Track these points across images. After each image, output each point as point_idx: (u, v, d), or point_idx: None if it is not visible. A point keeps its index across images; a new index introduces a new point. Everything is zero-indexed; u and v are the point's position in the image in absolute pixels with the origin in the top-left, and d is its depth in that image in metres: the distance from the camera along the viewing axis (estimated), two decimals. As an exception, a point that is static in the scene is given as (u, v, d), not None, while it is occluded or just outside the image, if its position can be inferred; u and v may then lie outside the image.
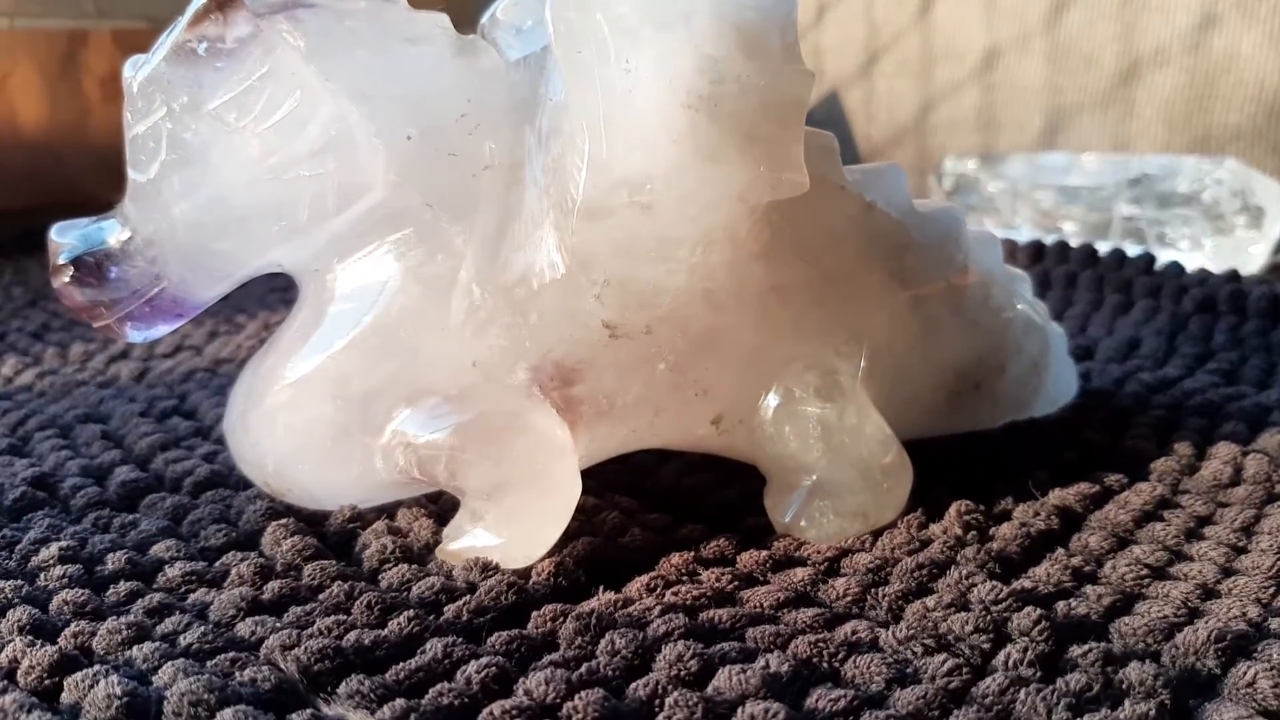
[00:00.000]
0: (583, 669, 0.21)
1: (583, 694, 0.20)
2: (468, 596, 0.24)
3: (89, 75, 0.74)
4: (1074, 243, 0.54)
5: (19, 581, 0.25)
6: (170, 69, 0.25)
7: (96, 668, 0.21)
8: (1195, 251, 0.58)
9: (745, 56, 0.24)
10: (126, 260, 0.26)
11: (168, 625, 0.23)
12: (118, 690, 0.20)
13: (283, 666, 0.21)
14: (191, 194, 0.26)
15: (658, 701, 0.20)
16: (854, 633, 0.23)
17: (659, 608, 0.24)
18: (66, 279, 0.26)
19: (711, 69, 0.23)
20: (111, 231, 0.26)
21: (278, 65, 0.25)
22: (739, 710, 0.19)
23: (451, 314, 0.26)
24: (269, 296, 0.54)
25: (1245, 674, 0.21)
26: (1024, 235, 0.62)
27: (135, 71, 0.26)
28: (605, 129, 0.23)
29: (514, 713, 0.19)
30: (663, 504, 0.30)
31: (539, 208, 0.25)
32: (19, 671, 0.21)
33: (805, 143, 0.25)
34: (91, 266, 0.26)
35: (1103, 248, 0.53)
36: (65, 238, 0.26)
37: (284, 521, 0.28)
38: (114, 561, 0.26)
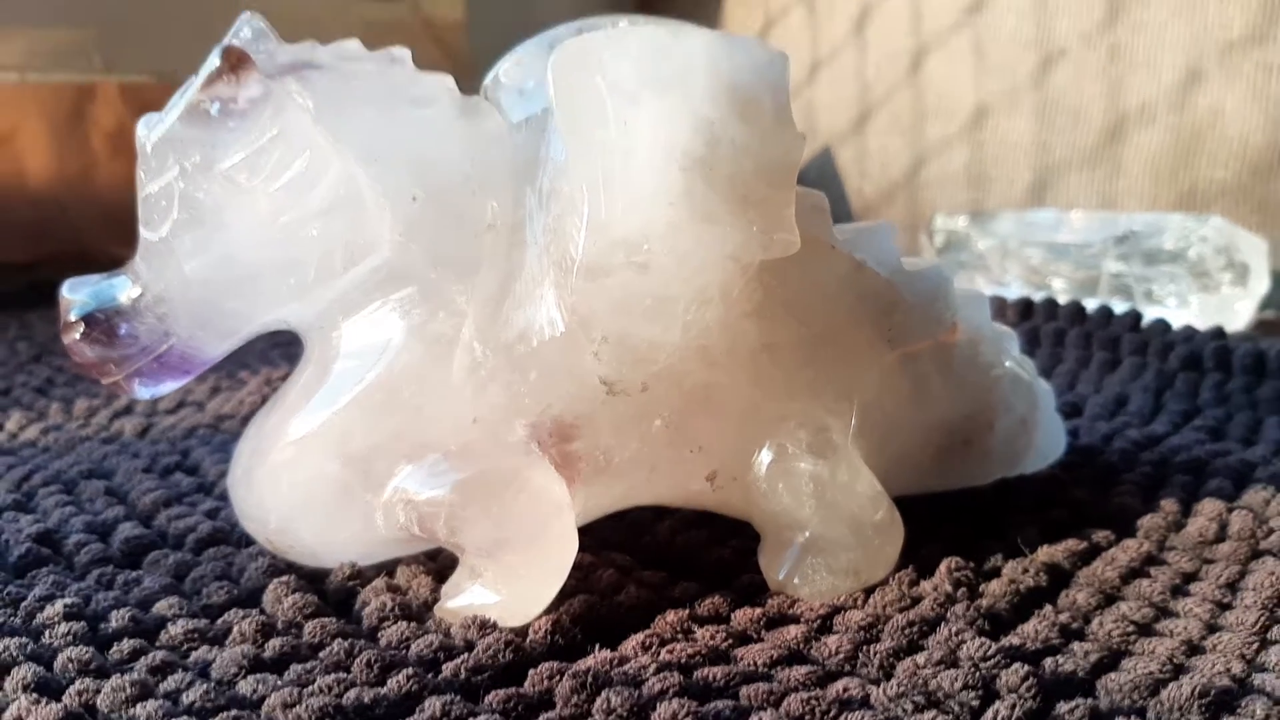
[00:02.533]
0: (579, 726, 0.22)
1: (579, 751, 0.20)
2: (466, 654, 0.24)
3: (96, 129, 0.75)
4: (1062, 299, 0.55)
5: (24, 639, 0.25)
6: (184, 129, 0.26)
7: (100, 725, 0.21)
8: (1182, 308, 0.59)
9: (739, 119, 0.24)
10: (136, 317, 0.26)
11: (170, 683, 0.23)
12: (122, 747, 0.20)
13: (284, 723, 0.22)
14: (203, 252, 0.26)
15: (653, 759, 0.20)
16: (845, 690, 0.23)
17: (654, 665, 0.24)
18: (77, 336, 0.26)
19: (707, 131, 0.24)
20: (122, 288, 0.27)
21: (288, 126, 0.26)
22: (733, 768, 0.20)
23: (453, 371, 0.26)
24: (271, 352, 0.54)
25: (1229, 732, 0.21)
26: (1014, 292, 0.63)
27: (149, 131, 0.26)
28: (604, 190, 0.24)
29: (512, 770, 0.20)
30: (658, 561, 0.30)
31: (539, 267, 0.25)
32: (24, 728, 0.21)
33: (796, 203, 0.26)
34: (102, 323, 0.26)
35: (1090, 304, 0.54)
36: (76, 294, 0.27)
37: (285, 579, 0.28)
38: (117, 619, 0.26)
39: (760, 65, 0.25)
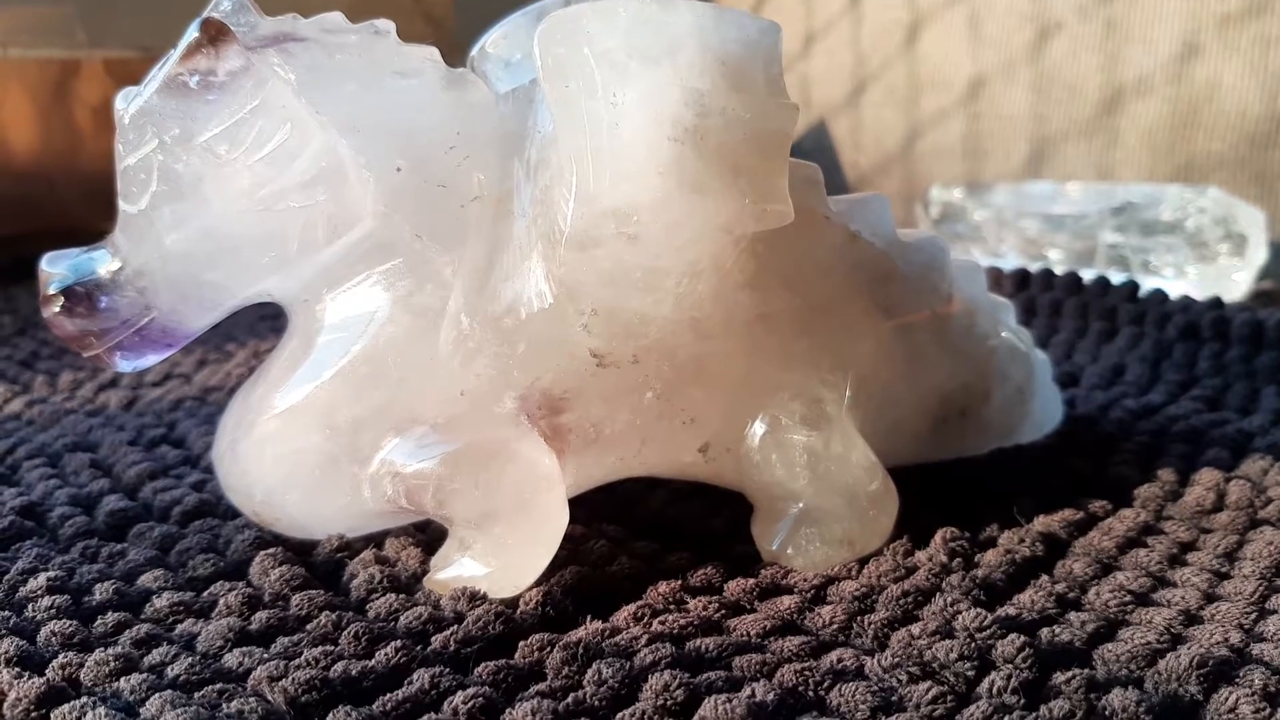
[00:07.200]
0: (569, 699, 0.21)
1: (569, 723, 0.20)
2: (455, 626, 0.24)
3: (81, 104, 0.74)
4: (1059, 270, 0.55)
5: (7, 612, 0.25)
6: (162, 101, 0.25)
7: (84, 699, 0.21)
8: (1179, 279, 0.59)
9: (730, 89, 0.24)
10: (117, 290, 0.26)
11: (155, 656, 0.23)
12: (104, 722, 0.20)
13: (270, 698, 0.21)
14: (182, 225, 0.26)
15: (644, 731, 0.20)
16: (840, 661, 0.23)
17: (646, 637, 0.24)
18: (56, 309, 0.26)
19: (697, 102, 0.24)
20: (102, 262, 0.26)
21: (269, 98, 0.25)
22: (725, 739, 0.19)
23: (440, 344, 0.26)
24: (258, 324, 0.54)
25: (1227, 700, 0.21)
26: (1010, 263, 0.63)
27: (127, 104, 0.26)
28: (592, 161, 0.24)
29: (501, 743, 0.19)
30: (650, 532, 0.30)
31: (527, 238, 0.25)
32: (6, 703, 0.21)
33: (790, 174, 0.25)
34: (81, 296, 0.26)
35: (1087, 275, 0.54)
36: (56, 268, 0.27)
37: (272, 551, 0.28)
38: (102, 592, 0.26)
39: (751, 36, 0.24)
